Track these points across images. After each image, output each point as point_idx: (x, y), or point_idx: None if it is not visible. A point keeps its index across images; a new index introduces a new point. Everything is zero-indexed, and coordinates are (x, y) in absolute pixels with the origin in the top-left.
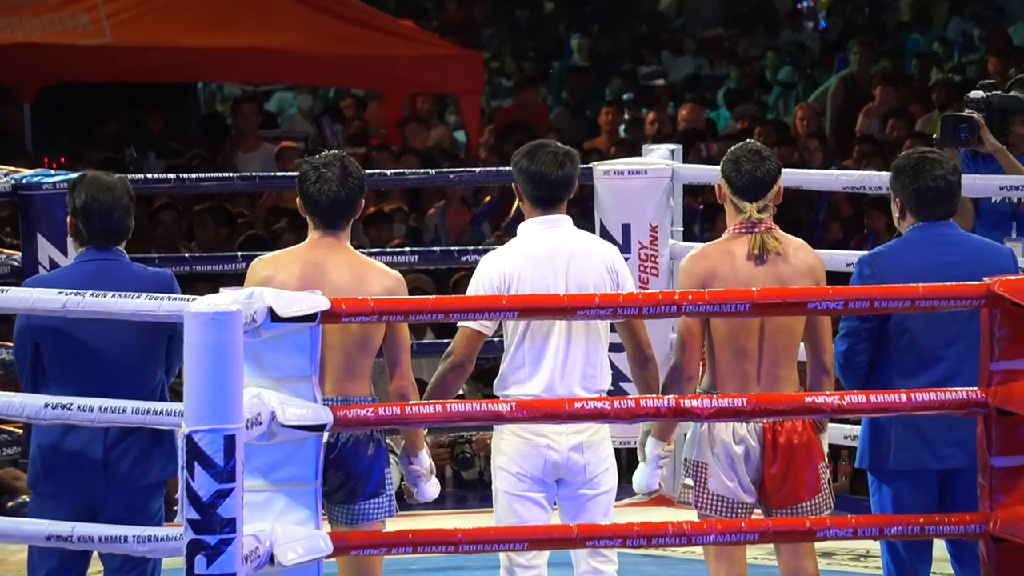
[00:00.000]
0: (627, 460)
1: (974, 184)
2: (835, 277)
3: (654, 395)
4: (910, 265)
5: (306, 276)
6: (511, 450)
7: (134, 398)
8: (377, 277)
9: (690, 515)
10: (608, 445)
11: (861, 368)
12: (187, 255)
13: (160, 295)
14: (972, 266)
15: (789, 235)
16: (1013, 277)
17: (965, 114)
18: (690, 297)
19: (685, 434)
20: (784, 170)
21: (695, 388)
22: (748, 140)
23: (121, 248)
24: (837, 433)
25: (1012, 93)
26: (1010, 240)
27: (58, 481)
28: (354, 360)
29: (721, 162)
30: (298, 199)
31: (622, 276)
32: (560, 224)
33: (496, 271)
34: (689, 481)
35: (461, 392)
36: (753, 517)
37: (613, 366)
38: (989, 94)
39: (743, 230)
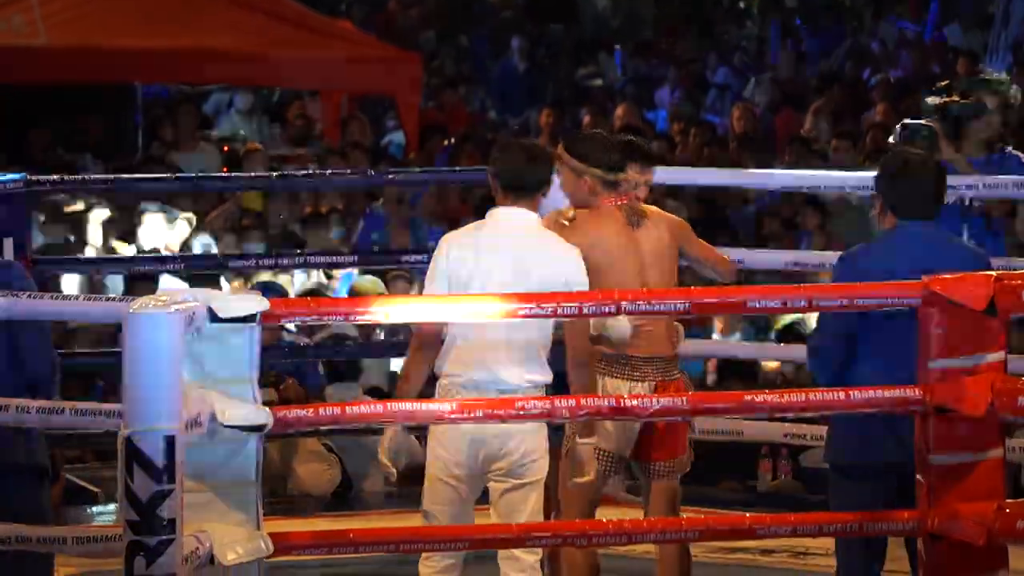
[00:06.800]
0: None
1: None
2: (777, 276)
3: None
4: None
5: None
6: (441, 435)
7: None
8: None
9: (634, 513)
10: (537, 436)
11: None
12: (128, 256)
13: (96, 295)
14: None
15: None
16: (949, 276)
17: (922, 122)
18: (629, 296)
19: None
20: (721, 170)
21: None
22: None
23: None
24: (776, 430)
25: (971, 99)
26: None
27: None
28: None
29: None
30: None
31: None
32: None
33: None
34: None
35: None
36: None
37: None
38: (945, 99)
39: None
